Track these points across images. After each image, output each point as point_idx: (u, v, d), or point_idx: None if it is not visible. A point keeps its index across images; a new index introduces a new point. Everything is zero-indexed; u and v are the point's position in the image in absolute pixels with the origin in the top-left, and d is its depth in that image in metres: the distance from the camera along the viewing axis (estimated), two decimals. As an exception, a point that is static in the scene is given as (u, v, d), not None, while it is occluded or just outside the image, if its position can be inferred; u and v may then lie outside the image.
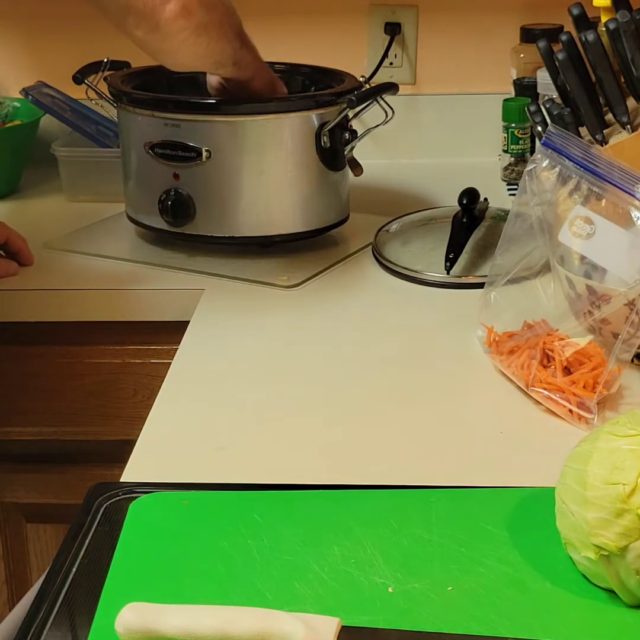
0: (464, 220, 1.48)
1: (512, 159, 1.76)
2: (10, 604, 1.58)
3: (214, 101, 1.42)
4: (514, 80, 1.77)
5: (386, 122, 1.47)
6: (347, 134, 1.46)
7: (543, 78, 1.60)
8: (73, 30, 1.84)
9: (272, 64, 1.58)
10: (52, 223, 1.64)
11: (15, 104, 1.81)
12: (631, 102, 1.20)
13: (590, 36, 1.17)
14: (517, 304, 1.17)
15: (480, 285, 1.23)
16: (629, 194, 1.05)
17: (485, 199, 1.53)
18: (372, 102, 1.45)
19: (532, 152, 1.73)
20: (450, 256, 1.40)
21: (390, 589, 0.79)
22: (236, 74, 1.34)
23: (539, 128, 1.25)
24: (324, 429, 1.06)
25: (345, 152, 1.47)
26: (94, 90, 1.59)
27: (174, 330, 1.31)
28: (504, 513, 0.88)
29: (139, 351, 1.45)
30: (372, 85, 1.52)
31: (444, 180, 1.77)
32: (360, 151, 1.50)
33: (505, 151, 1.76)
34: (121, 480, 0.96)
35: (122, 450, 1.04)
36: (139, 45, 1.21)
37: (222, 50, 1.27)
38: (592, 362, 1.07)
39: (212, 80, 1.42)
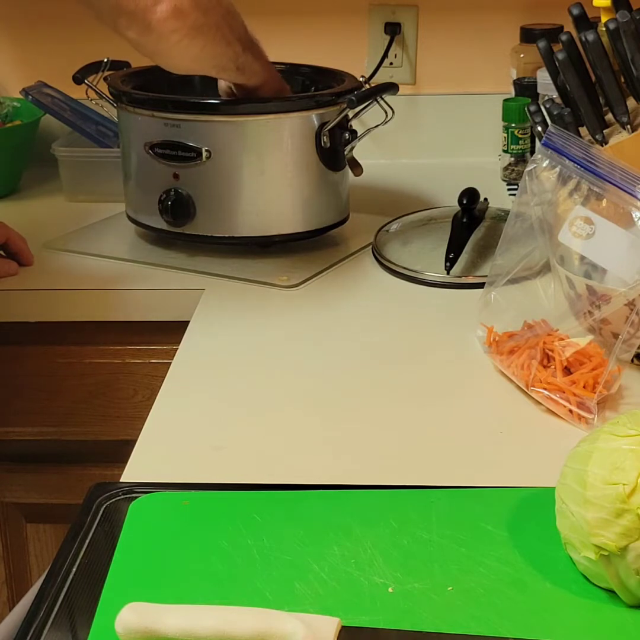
0: (464, 220, 1.48)
1: (512, 159, 1.76)
2: (10, 604, 1.58)
3: (214, 101, 1.42)
4: (514, 80, 1.77)
5: (386, 122, 1.47)
6: (347, 134, 1.46)
7: (543, 78, 1.60)
8: (73, 30, 1.84)
9: (272, 63, 1.58)
10: (52, 223, 1.64)
11: (15, 104, 1.81)
12: (631, 102, 1.20)
13: (590, 36, 1.17)
14: (517, 304, 1.17)
15: (480, 285, 1.23)
16: (630, 194, 1.05)
17: (485, 199, 1.53)
18: (372, 102, 1.45)
19: (532, 152, 1.73)
20: (450, 256, 1.40)
21: (390, 589, 0.79)
22: (243, 80, 1.34)
23: (539, 128, 1.25)
24: (324, 429, 1.06)
25: (345, 152, 1.47)
26: (94, 90, 1.59)
27: (174, 330, 1.31)
28: (504, 513, 0.88)
29: (139, 351, 1.45)
30: (372, 85, 1.52)
31: (444, 180, 1.77)
32: (360, 151, 1.50)
33: (505, 151, 1.76)
34: (121, 480, 0.96)
35: (122, 450, 1.04)
36: (134, 47, 1.21)
37: (221, 53, 1.25)
38: (592, 362, 1.07)
39: (222, 85, 1.42)
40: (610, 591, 0.78)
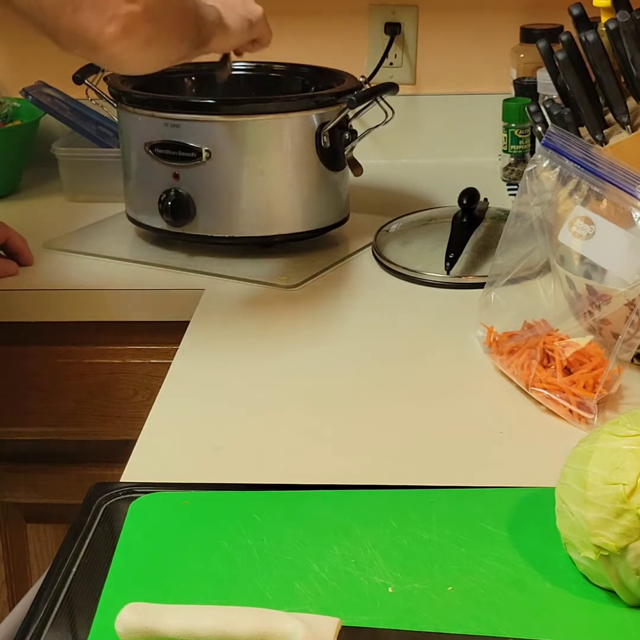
0: (464, 220, 1.48)
1: (512, 159, 1.76)
2: (10, 604, 1.58)
3: (214, 101, 1.42)
4: (514, 80, 1.77)
5: (386, 122, 1.47)
6: (347, 134, 1.46)
7: (543, 78, 1.60)
8: (73, 30, 1.84)
9: (272, 63, 1.59)
10: (52, 223, 1.64)
11: (15, 104, 1.81)
12: (631, 102, 1.20)
13: (590, 36, 1.17)
14: (517, 304, 1.17)
15: (480, 285, 1.23)
16: (630, 194, 1.05)
17: (485, 199, 1.53)
18: (372, 102, 1.45)
19: (532, 152, 1.73)
20: (450, 256, 1.40)
21: (390, 589, 0.79)
22: (204, 51, 1.25)
23: (539, 128, 1.25)
24: (324, 429, 1.06)
25: (345, 152, 1.47)
26: (94, 90, 1.59)
27: (174, 330, 1.31)
28: (504, 513, 0.88)
29: (139, 351, 1.45)
30: (372, 85, 1.52)
31: (444, 180, 1.77)
32: (360, 151, 1.50)
33: (505, 151, 1.76)
34: (121, 480, 0.96)
35: (122, 450, 1.05)
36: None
37: (177, 50, 1.16)
38: (592, 362, 1.07)
39: None
40: (610, 591, 0.78)
